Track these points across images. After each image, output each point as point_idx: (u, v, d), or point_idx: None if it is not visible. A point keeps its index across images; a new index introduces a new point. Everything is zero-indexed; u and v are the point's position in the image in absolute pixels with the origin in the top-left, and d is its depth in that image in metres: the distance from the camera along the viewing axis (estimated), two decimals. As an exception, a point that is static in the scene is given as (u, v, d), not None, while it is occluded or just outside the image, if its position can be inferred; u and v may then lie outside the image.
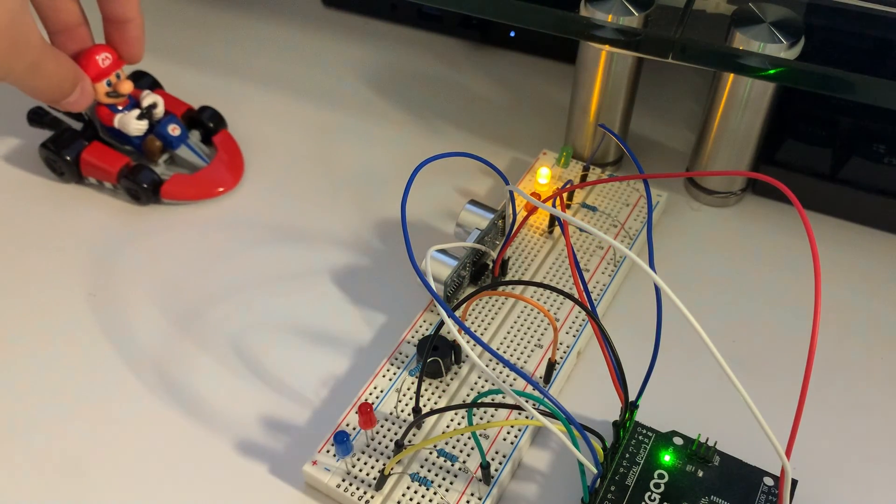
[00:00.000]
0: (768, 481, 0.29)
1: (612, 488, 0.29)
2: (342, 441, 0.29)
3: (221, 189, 0.41)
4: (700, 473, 0.30)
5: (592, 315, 0.28)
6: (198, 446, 0.32)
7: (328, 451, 0.30)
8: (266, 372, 0.34)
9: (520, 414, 0.31)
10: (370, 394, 0.32)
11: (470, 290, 0.36)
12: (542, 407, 0.27)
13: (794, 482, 0.29)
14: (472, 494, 0.29)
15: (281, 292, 0.37)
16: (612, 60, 0.38)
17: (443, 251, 0.34)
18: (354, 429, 0.31)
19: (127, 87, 0.38)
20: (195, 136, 0.42)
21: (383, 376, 0.33)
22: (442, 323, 0.29)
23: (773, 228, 0.40)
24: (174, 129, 0.41)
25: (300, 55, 0.50)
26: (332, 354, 0.35)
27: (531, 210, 0.37)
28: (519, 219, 0.37)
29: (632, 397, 0.29)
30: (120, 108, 0.39)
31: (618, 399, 0.29)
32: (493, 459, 0.30)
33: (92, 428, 0.32)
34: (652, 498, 0.29)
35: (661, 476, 0.30)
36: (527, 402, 0.26)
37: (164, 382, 0.34)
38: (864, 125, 0.39)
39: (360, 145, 0.44)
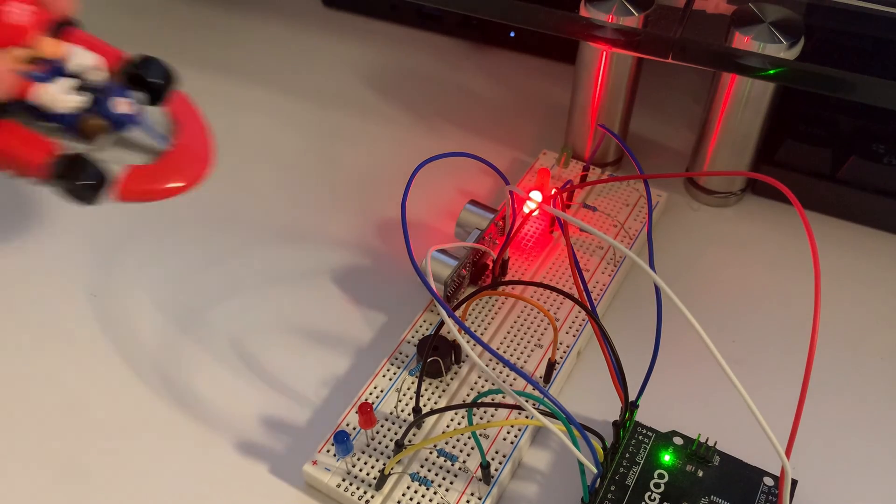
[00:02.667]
0: (768, 481, 0.29)
1: (612, 488, 0.29)
2: (342, 441, 0.29)
3: (183, 184, 0.29)
4: (700, 473, 0.30)
5: (592, 315, 0.28)
6: (198, 446, 0.32)
7: (328, 451, 0.30)
8: (266, 372, 0.34)
9: (520, 414, 0.30)
10: (370, 394, 0.32)
11: (470, 290, 0.36)
12: (542, 407, 0.27)
13: (794, 482, 0.29)
14: (472, 494, 0.29)
15: (281, 292, 0.37)
16: (612, 60, 0.38)
17: (443, 251, 0.34)
18: (354, 429, 0.31)
19: (52, 47, 0.28)
20: (146, 106, 0.30)
21: (383, 376, 0.33)
22: (442, 323, 0.29)
23: (773, 228, 0.40)
24: (123, 105, 0.29)
25: (300, 55, 0.50)
26: (332, 354, 0.35)
27: (531, 210, 0.37)
28: (519, 219, 0.37)
29: (632, 397, 0.29)
30: (38, 74, 0.28)
31: (618, 399, 0.29)
32: (493, 459, 0.30)
33: (92, 428, 0.32)
34: (652, 498, 0.29)
35: (661, 476, 0.30)
36: (527, 401, 0.26)
37: (165, 382, 0.34)
38: (864, 125, 0.39)
39: (360, 145, 0.44)
